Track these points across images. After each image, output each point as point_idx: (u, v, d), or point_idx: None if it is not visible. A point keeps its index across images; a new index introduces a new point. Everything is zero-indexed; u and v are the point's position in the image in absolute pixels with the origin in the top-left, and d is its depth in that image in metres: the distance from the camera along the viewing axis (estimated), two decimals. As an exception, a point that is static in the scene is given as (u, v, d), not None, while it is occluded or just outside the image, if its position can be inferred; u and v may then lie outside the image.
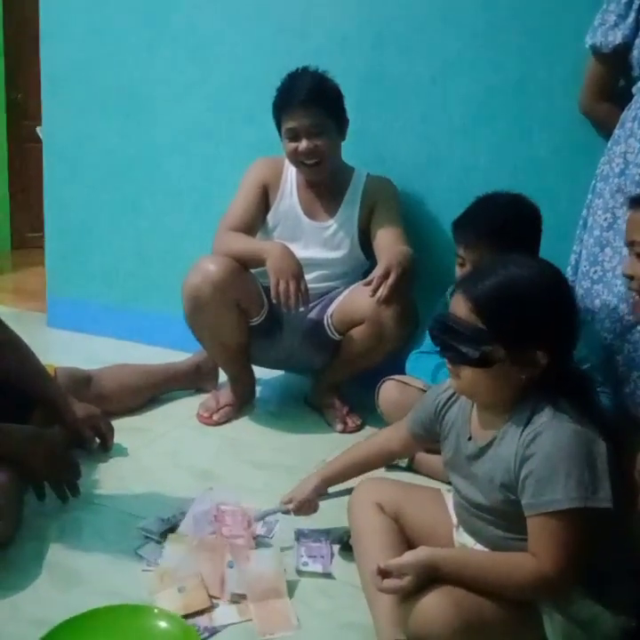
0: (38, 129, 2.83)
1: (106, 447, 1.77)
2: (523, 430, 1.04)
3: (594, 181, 1.68)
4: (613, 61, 1.71)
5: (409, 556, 1.02)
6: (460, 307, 1.07)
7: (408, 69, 2.11)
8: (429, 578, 1.00)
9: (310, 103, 1.87)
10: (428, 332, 1.88)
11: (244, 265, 1.89)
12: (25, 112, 4.58)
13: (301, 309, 1.82)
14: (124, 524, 1.48)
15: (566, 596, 1.02)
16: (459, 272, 1.69)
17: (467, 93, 2.06)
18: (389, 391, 1.83)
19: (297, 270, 1.79)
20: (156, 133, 2.52)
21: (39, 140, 2.82)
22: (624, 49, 1.66)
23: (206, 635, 1.17)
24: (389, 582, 1.01)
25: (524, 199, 1.67)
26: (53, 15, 2.58)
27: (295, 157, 1.95)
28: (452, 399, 1.22)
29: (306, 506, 1.43)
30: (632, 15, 1.64)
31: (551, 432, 1.01)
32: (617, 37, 1.67)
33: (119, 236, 2.66)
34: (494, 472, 1.07)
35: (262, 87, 2.24)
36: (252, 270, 1.94)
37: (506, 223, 1.60)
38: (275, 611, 1.23)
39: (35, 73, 2.79)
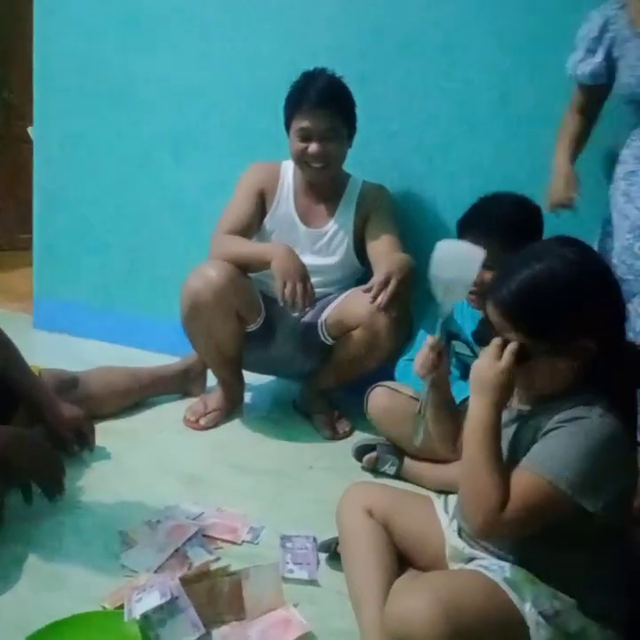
0: (29, 129, 2.80)
1: (87, 449, 1.74)
2: (568, 408, 1.02)
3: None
4: (587, 90, 1.70)
5: None
6: (492, 313, 1.07)
7: (406, 74, 2.10)
8: None
9: (328, 106, 1.86)
10: (416, 339, 1.89)
11: (243, 269, 1.88)
12: (16, 112, 4.55)
13: (307, 310, 1.81)
14: (108, 529, 1.45)
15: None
16: None
17: (465, 98, 2.05)
18: (379, 398, 1.81)
19: (303, 271, 1.78)
20: (148, 135, 2.50)
21: (30, 141, 2.80)
22: (596, 81, 1.65)
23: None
24: None
25: (528, 199, 1.68)
26: (47, 14, 2.56)
27: (302, 158, 1.93)
28: None
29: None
30: (601, 52, 1.61)
31: (591, 422, 0.99)
32: (585, 74, 1.66)
33: (108, 239, 2.64)
34: (521, 436, 1.06)
35: (259, 91, 2.25)
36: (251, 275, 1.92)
37: (513, 220, 1.62)
38: (282, 619, 1.21)
39: (27, 73, 2.78)
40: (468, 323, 1.74)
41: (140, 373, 2.11)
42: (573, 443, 0.98)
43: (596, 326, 1.02)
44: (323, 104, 1.86)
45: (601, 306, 1.03)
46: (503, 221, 1.61)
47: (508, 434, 1.09)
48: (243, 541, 1.45)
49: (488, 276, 1.61)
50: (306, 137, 1.90)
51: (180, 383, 2.20)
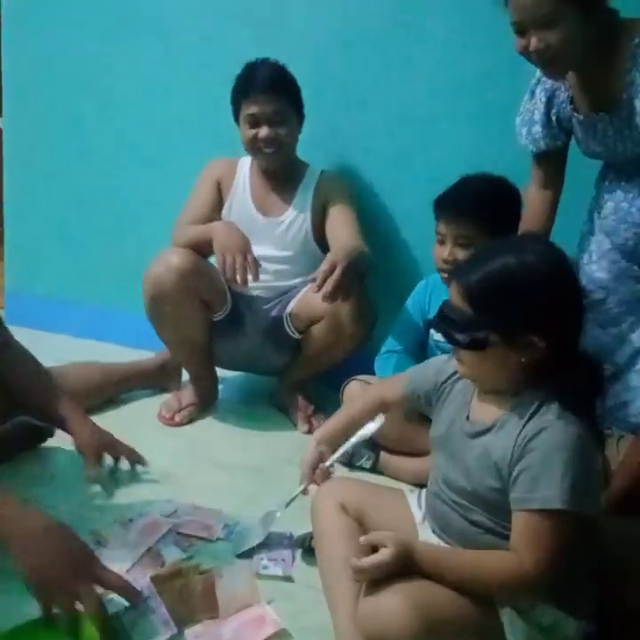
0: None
1: (129, 466, 1.63)
2: (526, 423, 1.02)
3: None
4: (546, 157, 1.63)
5: (384, 537, 1.02)
6: (453, 294, 1.08)
7: (377, 68, 2.08)
8: (404, 563, 0.99)
9: (273, 91, 1.88)
10: (391, 330, 1.89)
11: (201, 253, 1.88)
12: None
13: (251, 283, 1.77)
14: (79, 528, 1.40)
15: (529, 601, 1.01)
16: (437, 250, 1.69)
17: (436, 87, 2.02)
18: (354, 392, 1.80)
19: (243, 244, 1.77)
20: (118, 130, 2.46)
21: (-1, 131, 2.74)
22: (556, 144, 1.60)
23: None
24: (367, 560, 0.99)
25: (506, 180, 1.68)
26: (15, 8, 2.50)
27: (253, 144, 1.93)
28: (457, 376, 1.19)
29: (316, 476, 1.32)
30: (552, 122, 1.56)
31: (555, 432, 1.00)
32: (540, 146, 1.61)
33: (81, 232, 2.59)
34: (486, 458, 1.05)
35: (227, 85, 2.21)
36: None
37: (485, 198, 1.62)
38: (256, 617, 1.20)
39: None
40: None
41: (115, 369, 2.08)
42: (553, 463, 0.98)
43: (551, 326, 1.02)
44: (268, 89, 1.87)
45: (561, 308, 1.04)
46: (475, 199, 1.62)
47: (471, 449, 1.08)
48: (217, 538, 1.43)
49: (461, 254, 1.62)
50: (255, 123, 1.90)
51: (156, 378, 2.17)
